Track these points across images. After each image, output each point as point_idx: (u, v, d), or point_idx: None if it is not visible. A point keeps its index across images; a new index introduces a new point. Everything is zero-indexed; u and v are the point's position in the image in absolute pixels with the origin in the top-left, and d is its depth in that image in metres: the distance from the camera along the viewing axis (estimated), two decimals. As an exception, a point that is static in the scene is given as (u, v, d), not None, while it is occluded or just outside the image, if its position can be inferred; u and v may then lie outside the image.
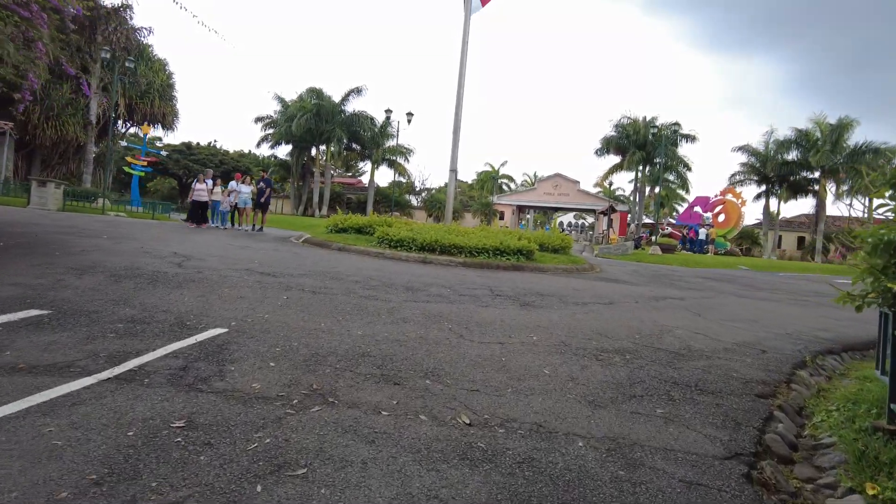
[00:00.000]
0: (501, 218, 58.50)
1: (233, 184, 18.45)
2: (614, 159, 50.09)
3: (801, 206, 54.36)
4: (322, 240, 13.72)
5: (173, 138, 56.35)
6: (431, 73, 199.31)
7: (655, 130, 40.85)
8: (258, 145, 55.51)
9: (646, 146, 45.70)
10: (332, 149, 50.39)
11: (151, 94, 35.44)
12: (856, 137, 42.65)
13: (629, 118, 47.76)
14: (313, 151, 53.57)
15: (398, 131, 48.38)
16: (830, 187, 44.73)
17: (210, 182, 18.83)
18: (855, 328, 8.67)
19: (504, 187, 69.57)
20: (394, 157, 53.76)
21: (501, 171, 68.88)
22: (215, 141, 76.83)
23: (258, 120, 53.63)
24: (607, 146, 48.82)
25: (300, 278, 8.04)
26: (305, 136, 49.62)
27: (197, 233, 15.15)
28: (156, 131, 38.69)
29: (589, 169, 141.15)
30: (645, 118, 46.52)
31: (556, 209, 62.17)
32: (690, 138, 47.04)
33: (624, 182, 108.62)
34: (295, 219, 36.17)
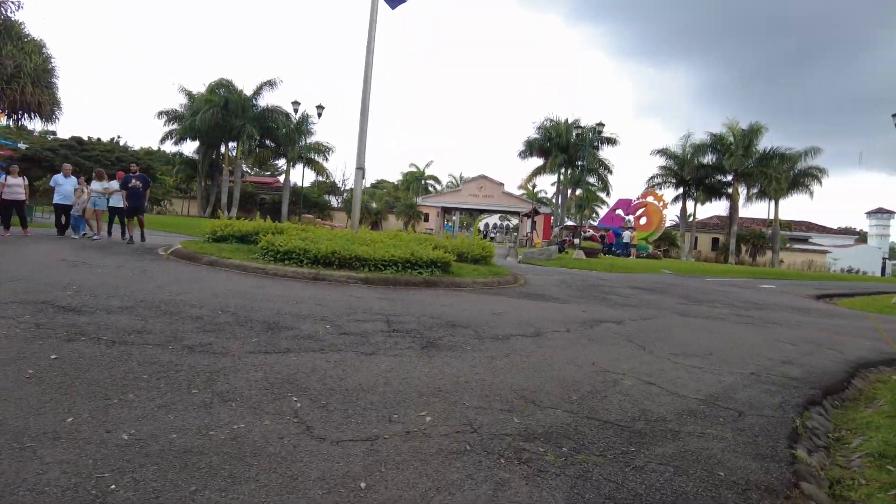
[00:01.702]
0: (426, 220, 56.76)
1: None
2: (537, 161, 49.66)
3: (716, 207, 56.06)
4: (192, 251, 11.24)
5: (63, 132, 50.70)
6: (355, 71, 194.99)
7: (578, 132, 40.38)
8: (162, 141, 50.93)
9: (568, 149, 45.39)
10: (244, 146, 46.79)
11: (22, 78, 30.83)
12: (764, 143, 44.14)
13: (552, 120, 47.38)
14: (223, 148, 49.65)
15: (305, 126, 45.44)
16: (742, 190, 46.07)
17: (73, 179, 15.75)
18: (816, 355, 7.41)
19: (430, 188, 68.00)
20: (311, 156, 50.76)
21: (427, 172, 67.28)
22: (118, 137, 70.19)
23: (161, 114, 49.11)
24: (530, 148, 48.22)
25: (114, 315, 5.75)
26: (213, 131, 45.83)
27: (24, 244, 12.27)
28: (31, 122, 33.92)
29: (514, 171, 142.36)
30: (567, 120, 46.25)
31: (482, 211, 61.18)
32: (611, 141, 47.23)
33: (547, 184, 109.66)
34: (197, 221, 32.71)
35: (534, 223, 46.73)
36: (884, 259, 67.31)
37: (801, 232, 64.70)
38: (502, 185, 53.64)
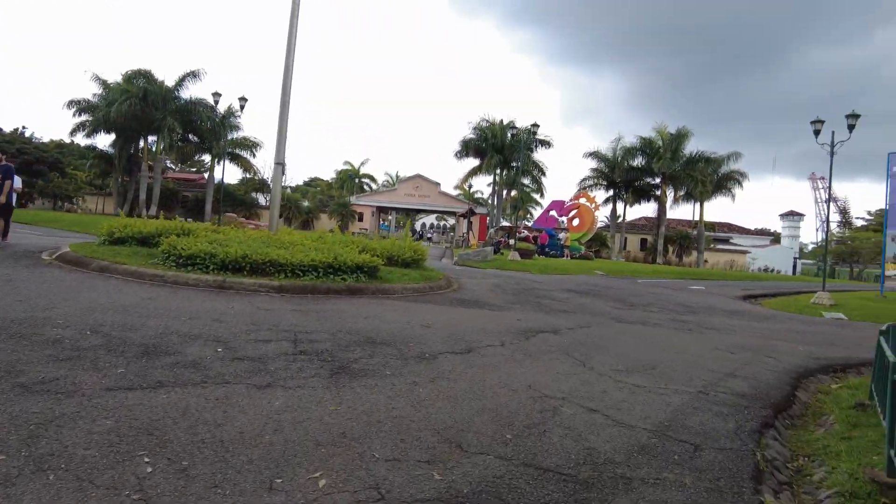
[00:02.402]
0: (360, 219, 55.37)
1: None
2: (473, 162, 49.40)
3: (645, 209, 57.75)
4: (81, 256, 9.82)
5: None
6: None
7: (513, 132, 40.33)
8: (72, 134, 46.90)
9: (503, 150, 45.35)
10: (165, 140, 43.89)
11: None
12: (691, 147, 45.66)
13: (487, 121, 47.22)
14: (142, 143, 46.42)
15: (231, 120, 43.23)
16: (670, 192, 47.51)
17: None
18: (756, 365, 7.09)
19: (365, 187, 66.50)
20: (238, 151, 48.34)
21: (362, 171, 65.70)
22: (23, 128, 64.51)
23: (71, 104, 45.21)
24: (466, 148, 47.89)
25: (-65, 342, 4.56)
26: (131, 124, 42.69)
27: None
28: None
29: (451, 171, 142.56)
30: (502, 122, 46.18)
31: (418, 211, 60.41)
32: (545, 144, 47.59)
33: (483, 185, 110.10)
34: (104, 220, 30.11)
35: (470, 223, 46.45)
36: (795, 258, 71.56)
37: (724, 233, 67.78)
38: (438, 184, 53.05)
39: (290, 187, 74.86)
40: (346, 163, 65.82)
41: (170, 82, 43.95)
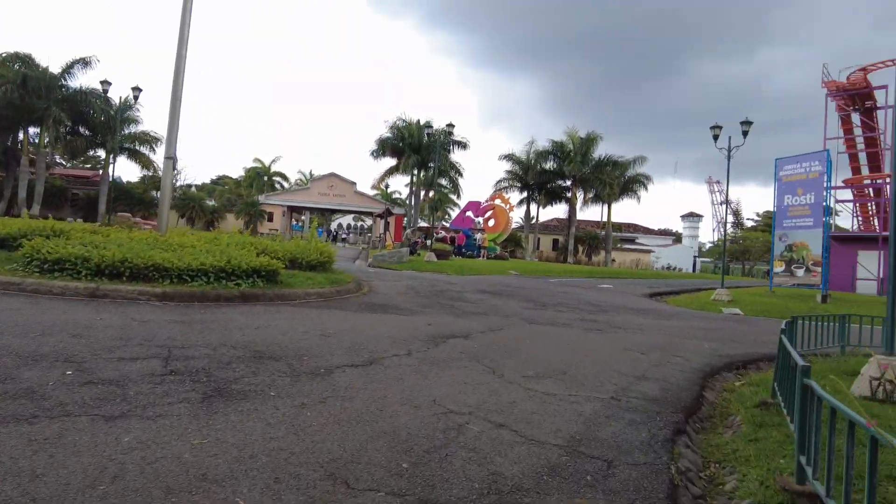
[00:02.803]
0: (270, 220, 53.20)
1: None
2: (391, 161, 48.82)
3: (556, 210, 59.41)
4: (-82, 262, 8.38)
5: None
6: (193, 58, 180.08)
7: (430, 132, 40.09)
8: (-66, 123, 41.67)
9: (421, 150, 45.07)
10: (50, 132, 40.01)
11: None
12: (600, 151, 47.40)
13: (404, 121, 46.78)
14: (21, 134, 42.07)
15: (127, 113, 40.19)
16: (580, 194, 49.10)
17: None
18: (665, 366, 7.04)
19: (277, 185, 64.01)
20: (136, 147, 44.94)
21: (274, 168, 63.18)
22: None
23: (-68, 89, 40.12)
24: (383, 147, 47.19)
25: None
26: (7, 113, 38.52)
27: None
28: None
29: (368, 171, 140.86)
30: (419, 121, 45.85)
31: (333, 211, 58.93)
32: (461, 145, 47.82)
33: (401, 185, 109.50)
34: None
35: (387, 224, 45.71)
36: (695, 257, 76.38)
37: (630, 233, 71.15)
38: (354, 184, 51.90)
39: (196, 185, 70.81)
40: (256, 160, 63.09)
41: (55, 69, 40.10)
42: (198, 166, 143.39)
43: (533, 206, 51.48)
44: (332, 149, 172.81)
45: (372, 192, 56.02)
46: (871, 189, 37.03)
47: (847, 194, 36.80)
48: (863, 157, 36.18)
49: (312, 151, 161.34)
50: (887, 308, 5.95)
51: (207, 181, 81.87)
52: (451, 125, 29.79)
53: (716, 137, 19.94)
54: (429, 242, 31.07)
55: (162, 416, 3.65)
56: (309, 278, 10.68)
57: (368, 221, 67.43)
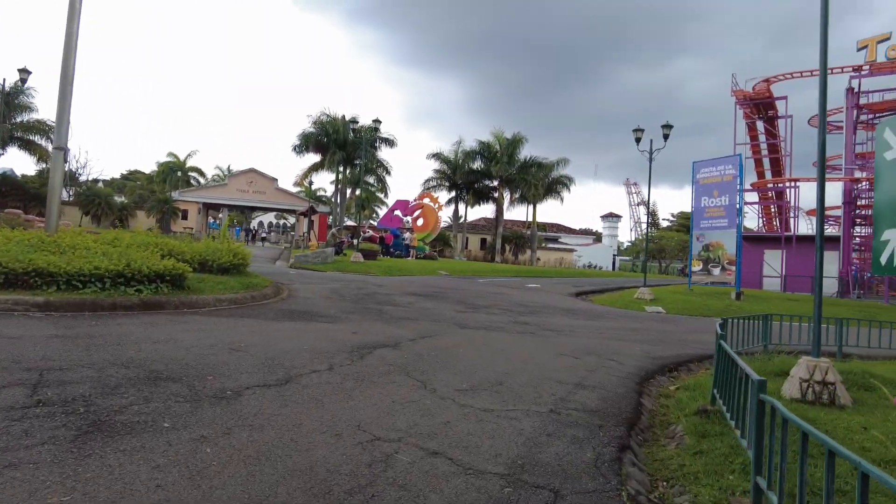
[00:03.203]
0: (185, 217, 50.28)
1: None
2: (315, 158, 47.25)
3: (484, 210, 59.83)
4: None
5: None
6: (94, 47, 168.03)
7: (355, 127, 39.08)
8: None
9: (346, 146, 43.92)
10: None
11: None
12: (525, 152, 48.07)
13: (328, 115, 45.42)
14: None
15: (20, 99, 36.66)
16: (507, 194, 49.61)
17: None
18: (601, 371, 6.83)
19: (193, 181, 60.61)
20: (31, 137, 41.03)
21: (189, 164, 59.68)
22: None
23: None
24: (306, 143, 45.58)
25: None
26: None
27: None
28: None
29: (292, 168, 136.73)
30: (345, 117, 44.60)
31: (253, 208, 56.50)
32: (389, 142, 47.06)
33: (326, 182, 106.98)
34: None
35: (311, 223, 44.22)
36: (614, 255, 79.32)
37: (554, 233, 72.92)
38: (276, 180, 49.86)
39: (103, 180, 65.79)
40: (171, 154, 59.35)
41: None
42: (106, 160, 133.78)
43: (461, 206, 51.55)
44: (254, 145, 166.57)
45: (295, 190, 54.08)
46: (773, 192, 39.59)
47: (752, 197, 39.13)
48: (766, 162, 38.62)
49: (232, 147, 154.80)
50: (814, 312, 5.99)
51: (117, 176, 76.45)
52: (377, 121, 29.00)
53: (638, 140, 20.44)
54: (355, 242, 30.20)
55: (13, 466, 2.90)
56: (221, 283, 9.76)
57: (292, 220, 65.27)
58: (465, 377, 5.74)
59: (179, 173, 57.31)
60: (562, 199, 51.06)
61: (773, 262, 32.93)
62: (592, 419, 4.83)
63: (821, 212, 6.31)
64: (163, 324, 7.06)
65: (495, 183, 49.07)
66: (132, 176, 77.79)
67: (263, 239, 46.79)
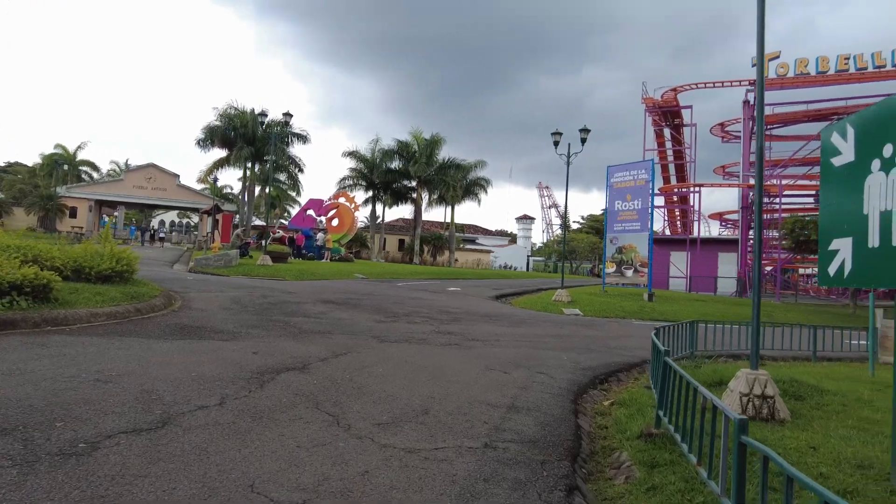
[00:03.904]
0: (74, 215, 45.81)
1: None
2: (221, 153, 44.39)
3: (402, 211, 58.96)
4: None
5: None
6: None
7: (264, 121, 37.02)
8: None
9: (255, 141, 41.61)
10: None
11: None
12: (444, 153, 47.76)
13: (236, 108, 42.83)
14: None
15: None
16: (425, 195, 49.07)
17: None
18: (533, 388, 6.31)
19: (84, 176, 55.47)
20: None
21: (80, 156, 54.53)
22: None
23: None
24: (211, 137, 42.71)
25: None
26: None
27: None
28: None
29: (197, 164, 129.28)
30: (254, 110, 42.24)
31: (153, 206, 52.54)
32: (301, 138, 45.13)
33: (234, 179, 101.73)
34: None
35: (217, 222, 41.53)
36: (528, 256, 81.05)
37: (471, 234, 73.32)
38: (177, 176, 46.56)
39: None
40: (58, 146, 53.99)
41: None
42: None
43: (379, 206, 50.39)
44: (156, 140, 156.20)
45: (200, 187, 50.72)
46: (677, 197, 41.64)
47: (659, 201, 40.95)
48: (672, 168, 40.55)
49: (132, 141, 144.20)
50: (752, 322, 5.75)
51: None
52: (288, 114, 27.35)
53: (556, 143, 20.48)
54: (263, 243, 28.43)
55: None
56: (99, 293, 8.35)
57: (196, 218, 61.23)
58: (386, 406, 4.97)
59: (68, 167, 52.20)
60: (479, 201, 51.30)
61: (679, 263, 34.51)
62: (533, 453, 4.22)
63: (759, 219, 6.11)
64: (13, 348, 5.76)
65: (414, 183, 48.35)
66: (11, 168, 70.15)
67: (162, 239, 43.33)
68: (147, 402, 4.42)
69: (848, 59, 30.03)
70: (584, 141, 20.12)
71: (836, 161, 4.50)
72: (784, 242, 29.40)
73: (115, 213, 52.43)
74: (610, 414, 5.99)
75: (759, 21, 5.94)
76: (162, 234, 45.47)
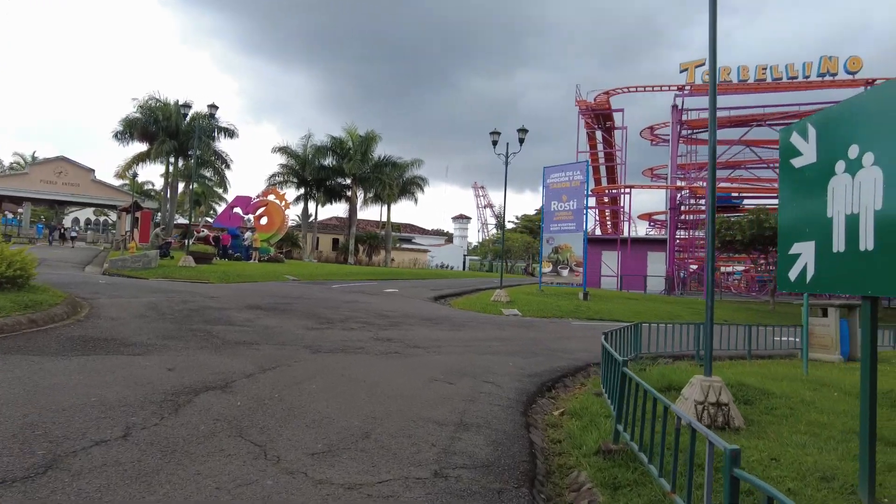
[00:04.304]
0: (-30, 213, 41.72)
1: None
2: (141, 147, 41.65)
3: (336, 209, 57.52)
4: None
5: None
6: None
7: (187, 113, 34.98)
8: None
9: (178, 135, 39.33)
10: None
11: None
12: (379, 151, 46.90)
13: (158, 100, 40.31)
14: None
15: None
16: (360, 193, 48.06)
17: None
18: (481, 400, 5.91)
19: (-18, 170, 50.76)
20: None
21: (-24, 148, 49.78)
22: None
23: None
24: (131, 129, 40.02)
25: None
26: None
27: None
28: None
29: (115, 159, 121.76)
30: (177, 102, 39.88)
31: (64, 203, 48.69)
32: (229, 133, 43.11)
33: (156, 175, 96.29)
34: None
35: (136, 220, 38.95)
36: (464, 256, 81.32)
37: (407, 233, 72.69)
38: (92, 171, 43.35)
39: None
40: (-49, 136, 49.07)
41: None
42: None
43: (311, 204, 48.86)
44: (70, 134, 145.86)
45: (118, 183, 47.44)
46: (608, 198, 42.74)
47: (590, 202, 41.93)
48: (603, 169, 41.56)
49: (41, 134, 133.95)
50: (705, 328, 5.60)
51: None
52: (213, 106, 25.83)
53: (495, 143, 20.33)
54: (186, 243, 26.76)
55: None
56: (-16, 302, 7.28)
57: (114, 216, 57.34)
58: (321, 431, 4.42)
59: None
60: (416, 200, 50.72)
61: (610, 262, 35.38)
62: (488, 480, 3.81)
63: (711, 220, 5.97)
64: None
65: (348, 181, 47.19)
66: None
67: (74, 238, 40.14)
68: (28, 439, 3.66)
69: (766, 69, 31.70)
70: (521, 141, 20.06)
71: (797, 162, 4.34)
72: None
73: (20, 210, 48.24)
74: (561, 426, 5.67)
75: (710, 30, 5.79)
76: (74, 233, 42.13)
